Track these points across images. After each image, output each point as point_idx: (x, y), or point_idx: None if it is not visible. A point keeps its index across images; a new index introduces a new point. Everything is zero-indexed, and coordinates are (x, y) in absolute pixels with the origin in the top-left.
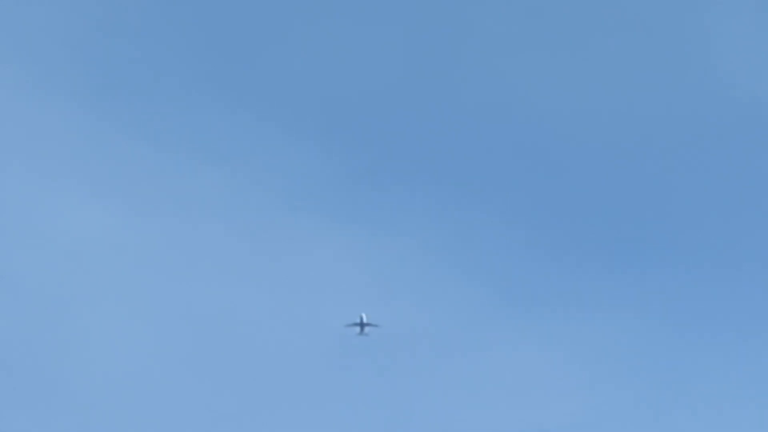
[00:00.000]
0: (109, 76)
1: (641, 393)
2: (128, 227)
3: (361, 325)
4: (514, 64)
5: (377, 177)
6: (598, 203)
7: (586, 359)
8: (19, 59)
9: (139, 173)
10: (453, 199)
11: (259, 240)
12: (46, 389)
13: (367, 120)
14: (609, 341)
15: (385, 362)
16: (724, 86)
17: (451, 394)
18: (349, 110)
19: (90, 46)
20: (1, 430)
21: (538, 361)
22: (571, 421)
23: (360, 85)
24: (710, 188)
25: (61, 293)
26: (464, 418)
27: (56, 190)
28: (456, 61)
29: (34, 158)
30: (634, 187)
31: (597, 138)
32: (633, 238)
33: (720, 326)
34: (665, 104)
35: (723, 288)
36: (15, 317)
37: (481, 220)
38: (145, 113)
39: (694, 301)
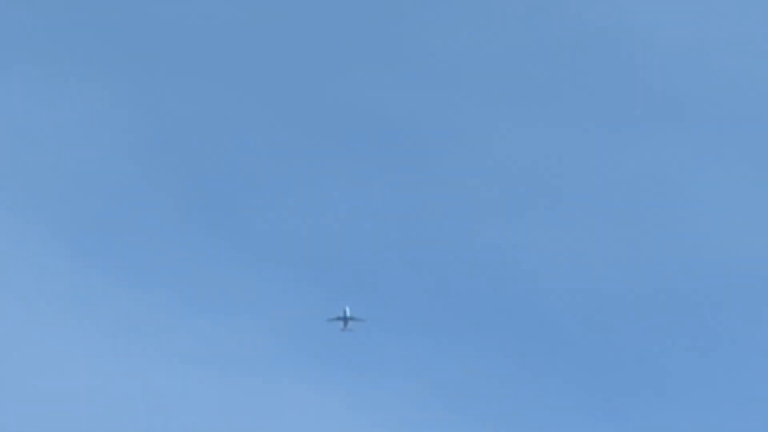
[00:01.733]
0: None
1: None
2: (116, 378)
3: (345, 319)
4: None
5: (370, 321)
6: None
7: None
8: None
9: (126, 319)
10: (445, 345)
11: (253, 384)
12: None
13: (356, 265)
14: None
15: None
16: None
17: None
18: (336, 257)
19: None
20: None
21: None
22: None
23: (350, 235)
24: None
25: None
26: None
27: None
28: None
29: (10, 302)
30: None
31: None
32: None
33: None
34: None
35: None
36: None
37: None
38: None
39: None
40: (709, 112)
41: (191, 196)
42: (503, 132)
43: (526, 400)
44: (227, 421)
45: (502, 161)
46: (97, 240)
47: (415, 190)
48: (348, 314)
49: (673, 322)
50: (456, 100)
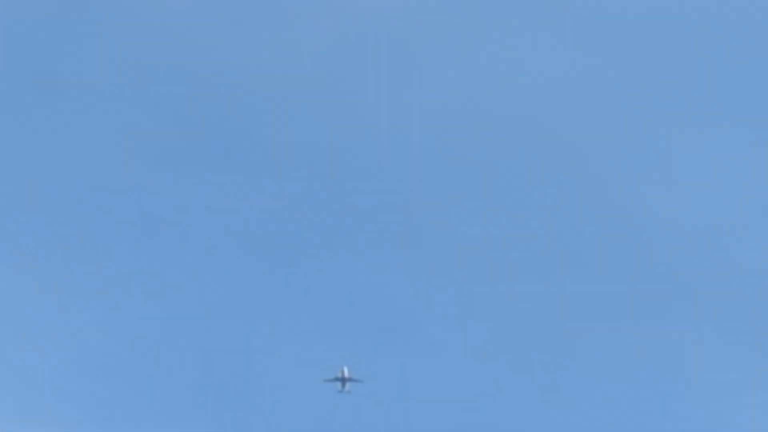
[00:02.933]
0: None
1: None
2: None
3: (343, 380)
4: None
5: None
6: None
7: None
8: None
9: None
10: None
11: None
12: None
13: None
14: None
15: None
16: None
17: None
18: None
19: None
20: None
21: None
22: None
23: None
24: None
25: None
26: None
27: None
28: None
29: None
30: None
31: None
32: None
33: None
34: None
35: None
36: None
37: None
38: None
39: None
40: (719, 302)
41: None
42: (511, 311)
43: None
44: None
45: (508, 341)
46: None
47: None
48: (346, 375)
49: None
50: (466, 286)
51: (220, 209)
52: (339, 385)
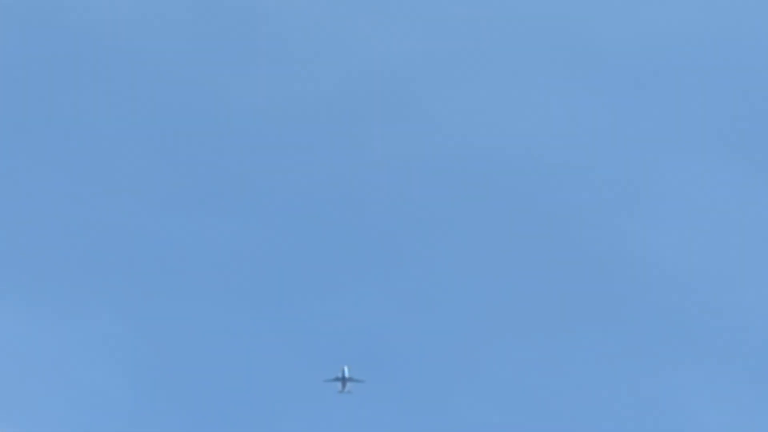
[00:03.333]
0: None
1: None
2: None
3: (343, 380)
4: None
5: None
6: None
7: None
8: None
9: None
10: None
11: None
12: None
13: None
14: None
15: None
16: None
17: None
18: None
19: None
20: None
21: None
22: None
23: None
24: None
25: None
26: None
27: None
28: None
29: None
30: None
31: None
32: None
33: None
34: None
35: None
36: None
37: None
38: None
39: None
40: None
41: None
42: (505, 360)
43: None
44: None
45: (504, 391)
46: None
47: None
48: (347, 374)
49: None
50: (459, 332)
51: (217, 250)
52: (339, 385)
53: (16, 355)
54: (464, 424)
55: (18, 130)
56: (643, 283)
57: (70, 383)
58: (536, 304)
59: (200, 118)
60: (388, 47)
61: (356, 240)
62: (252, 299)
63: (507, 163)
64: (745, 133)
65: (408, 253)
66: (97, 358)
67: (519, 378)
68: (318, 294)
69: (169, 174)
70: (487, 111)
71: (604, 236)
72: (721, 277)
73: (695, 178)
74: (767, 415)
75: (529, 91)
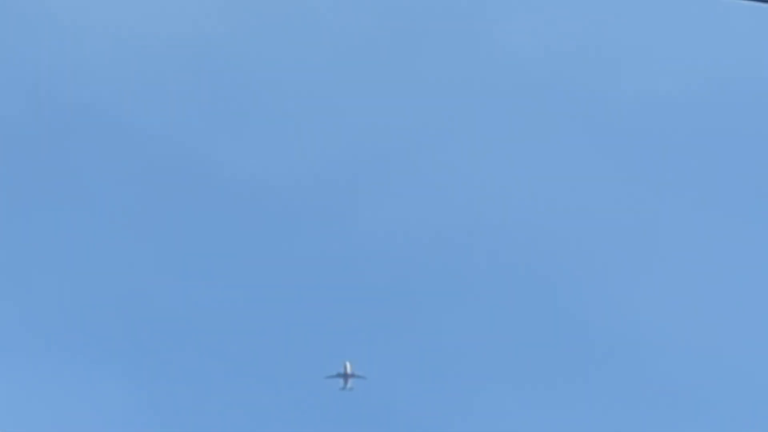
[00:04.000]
0: None
1: None
2: None
3: (345, 376)
4: None
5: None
6: None
7: None
8: None
9: None
10: None
11: None
12: None
13: None
14: None
15: None
16: None
17: None
18: None
19: None
20: None
21: None
22: None
23: None
24: None
25: None
26: None
27: None
28: None
29: None
30: None
31: None
32: None
33: None
34: None
35: None
36: None
37: None
38: None
39: None
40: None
41: None
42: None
43: None
44: None
45: None
46: None
47: None
48: (348, 371)
49: None
50: (454, 386)
51: (211, 315)
52: (341, 381)
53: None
54: None
55: (15, 193)
56: (642, 348)
57: None
58: (531, 369)
59: (192, 185)
60: (382, 115)
61: (351, 309)
62: (242, 363)
63: (503, 228)
64: (749, 197)
65: (406, 318)
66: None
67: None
68: (313, 357)
69: (160, 241)
70: (484, 178)
71: (601, 299)
72: (719, 342)
73: (697, 242)
74: None
75: (524, 155)
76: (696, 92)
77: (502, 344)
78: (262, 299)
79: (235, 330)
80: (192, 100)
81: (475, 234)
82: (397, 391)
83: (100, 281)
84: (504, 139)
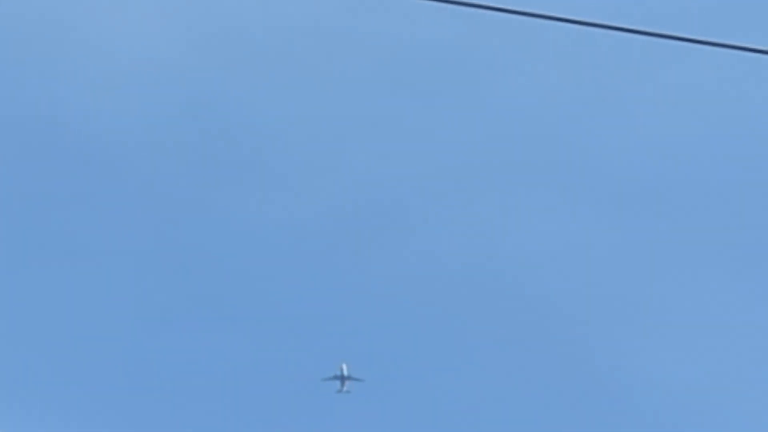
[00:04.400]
0: None
1: None
2: None
3: (342, 378)
4: None
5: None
6: None
7: None
8: None
9: None
10: None
11: None
12: None
13: None
14: None
15: None
16: None
17: None
18: None
19: None
20: None
21: None
22: None
23: None
24: None
25: None
26: None
27: None
28: None
29: None
30: None
31: None
32: None
33: None
34: None
35: None
36: None
37: None
38: None
39: None
40: None
41: None
42: None
43: None
44: None
45: None
46: None
47: None
48: (345, 373)
49: None
50: None
51: (215, 371)
52: (338, 384)
53: None
54: None
55: (14, 248)
56: (646, 401)
57: None
58: (536, 422)
59: (194, 240)
60: (381, 169)
61: (355, 358)
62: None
63: (506, 282)
64: (748, 252)
65: (411, 370)
66: None
67: None
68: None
69: (164, 294)
70: (485, 231)
71: (603, 355)
72: (722, 397)
73: (697, 297)
74: None
75: (526, 211)
76: (689, 146)
77: (508, 401)
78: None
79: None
80: (192, 153)
81: (477, 290)
82: None
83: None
84: (504, 192)
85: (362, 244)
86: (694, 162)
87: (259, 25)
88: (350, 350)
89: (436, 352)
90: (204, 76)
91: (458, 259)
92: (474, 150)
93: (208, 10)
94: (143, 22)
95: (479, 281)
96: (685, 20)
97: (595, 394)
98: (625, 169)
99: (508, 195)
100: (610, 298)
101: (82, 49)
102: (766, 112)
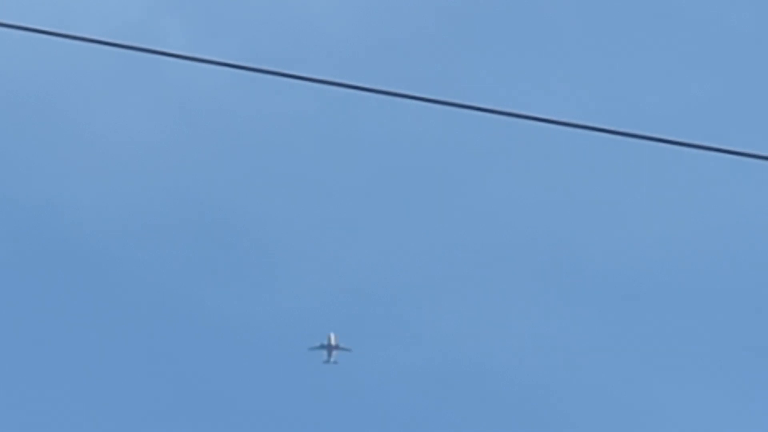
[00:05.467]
0: None
1: None
2: None
3: (329, 348)
4: None
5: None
6: None
7: None
8: None
9: None
10: None
11: None
12: None
13: None
14: None
15: None
16: None
17: None
18: None
19: None
20: None
21: None
22: None
23: None
24: None
25: None
26: None
27: None
28: None
29: None
30: None
31: None
32: None
33: None
34: None
35: None
36: None
37: None
38: None
39: None
40: None
41: None
42: None
43: None
44: None
45: None
46: None
47: None
48: (333, 342)
49: None
50: None
51: None
52: (325, 354)
53: None
54: None
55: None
56: None
57: None
58: None
59: (185, 333)
60: (373, 265)
61: None
62: None
63: (496, 382)
64: (737, 357)
65: None
66: None
67: None
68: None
69: (155, 390)
70: (476, 330)
71: None
72: None
73: (685, 401)
74: None
75: (518, 311)
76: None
77: None
78: None
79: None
80: (182, 245)
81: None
82: None
83: None
84: (496, 291)
85: (353, 340)
86: (677, 260)
87: (251, 113)
88: None
89: None
90: (197, 167)
91: (447, 357)
92: (458, 247)
93: (200, 102)
94: (137, 111)
95: (470, 379)
96: (668, 120)
97: None
98: (611, 268)
99: (493, 291)
100: (593, 395)
101: (74, 138)
102: (754, 215)
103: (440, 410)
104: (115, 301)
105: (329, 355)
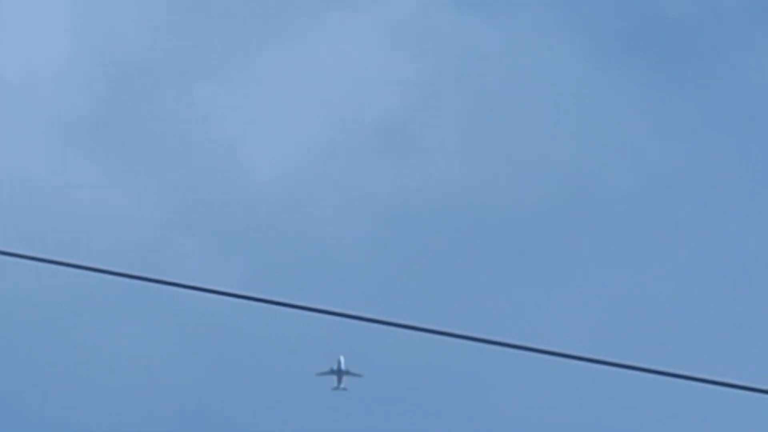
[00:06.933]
0: None
1: None
2: None
3: (339, 373)
4: None
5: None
6: None
7: None
8: None
9: None
10: None
11: None
12: None
13: None
14: None
15: None
16: None
17: None
18: None
19: None
20: None
21: None
22: None
23: None
24: None
25: None
26: None
27: None
28: None
29: None
30: None
31: None
32: None
33: None
34: None
35: None
36: None
37: None
38: None
39: None
40: None
41: None
42: None
43: None
44: None
45: None
46: None
47: None
48: (343, 367)
49: None
50: None
51: None
52: (334, 379)
53: None
54: None
55: None
56: None
57: None
58: None
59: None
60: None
61: None
62: None
63: None
64: None
65: None
66: None
67: None
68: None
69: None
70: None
71: None
72: None
73: None
74: None
75: None
76: None
77: None
78: None
79: None
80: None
81: None
82: None
83: None
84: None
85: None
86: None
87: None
88: None
89: None
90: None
91: None
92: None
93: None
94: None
95: None
96: None
97: None
98: None
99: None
100: None
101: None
102: None
103: None
104: None
105: (339, 381)
